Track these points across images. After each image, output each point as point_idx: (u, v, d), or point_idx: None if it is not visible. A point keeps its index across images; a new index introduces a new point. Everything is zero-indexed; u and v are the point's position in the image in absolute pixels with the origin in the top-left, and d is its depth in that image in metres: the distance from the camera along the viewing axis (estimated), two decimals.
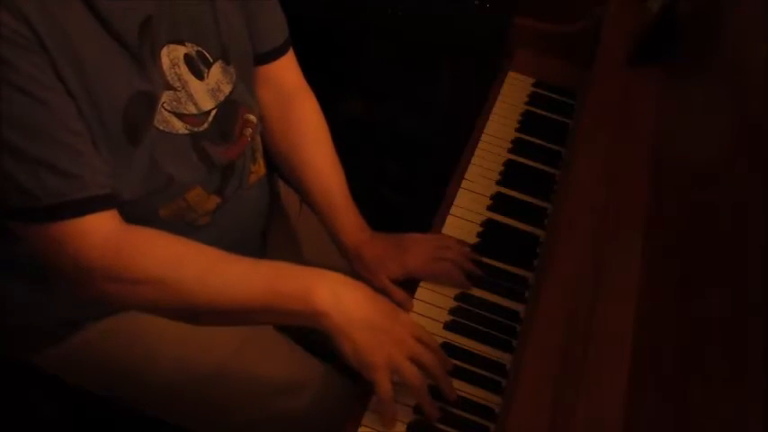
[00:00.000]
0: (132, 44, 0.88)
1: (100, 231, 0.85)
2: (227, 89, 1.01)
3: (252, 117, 1.07)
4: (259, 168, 1.12)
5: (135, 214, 0.95)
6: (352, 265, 1.10)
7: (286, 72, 1.16)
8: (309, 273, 0.89)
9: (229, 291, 0.87)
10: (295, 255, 1.27)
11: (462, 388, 0.94)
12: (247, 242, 1.16)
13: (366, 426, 0.90)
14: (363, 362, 0.87)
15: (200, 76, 0.98)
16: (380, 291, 1.03)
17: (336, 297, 0.87)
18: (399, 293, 1.05)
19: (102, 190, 0.86)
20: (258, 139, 1.13)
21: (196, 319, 0.92)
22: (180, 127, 0.96)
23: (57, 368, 1.09)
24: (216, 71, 1.00)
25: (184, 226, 1.02)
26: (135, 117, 0.90)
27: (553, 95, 1.39)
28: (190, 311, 0.89)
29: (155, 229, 0.90)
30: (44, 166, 0.81)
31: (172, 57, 0.94)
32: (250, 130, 1.07)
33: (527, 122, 1.33)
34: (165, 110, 0.94)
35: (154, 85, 0.91)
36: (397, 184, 2.03)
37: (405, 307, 1.03)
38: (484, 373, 0.96)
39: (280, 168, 1.18)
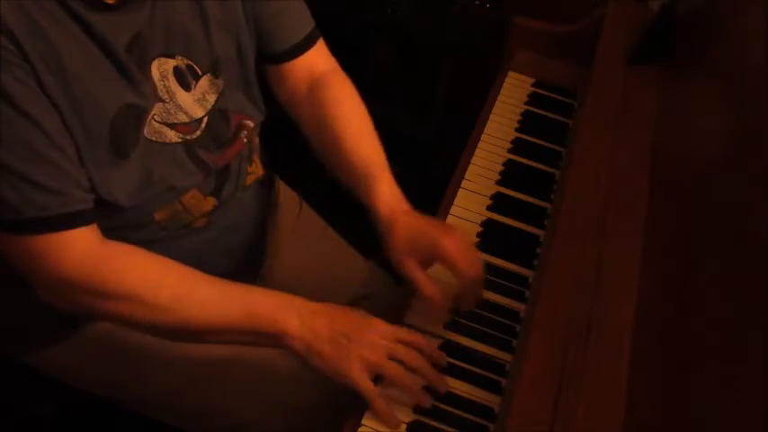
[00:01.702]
0: (121, 59, 0.88)
1: (79, 246, 0.87)
2: (212, 99, 1.01)
3: (248, 122, 1.07)
4: (256, 169, 1.12)
5: (129, 219, 0.96)
6: (383, 245, 1.02)
7: (315, 62, 1.13)
8: (278, 297, 0.93)
9: (204, 313, 0.90)
10: (294, 255, 1.26)
11: (462, 388, 0.94)
12: (244, 245, 1.16)
13: (366, 426, 0.90)
14: (334, 371, 0.90)
15: (187, 87, 0.97)
16: (407, 277, 0.98)
17: (301, 319, 0.90)
18: (428, 287, 0.96)
19: (82, 205, 0.87)
20: (256, 140, 1.12)
21: (168, 337, 0.96)
22: (172, 136, 0.96)
23: (57, 368, 1.09)
24: (203, 83, 0.99)
25: (180, 228, 1.02)
26: (122, 130, 0.90)
27: (553, 95, 1.39)
28: (162, 329, 0.93)
29: (131, 245, 0.92)
30: (25, 180, 0.82)
31: (161, 70, 0.94)
32: (245, 132, 1.06)
33: (527, 122, 1.33)
34: (156, 121, 0.94)
35: (144, 98, 0.92)
36: (397, 183, 2.02)
37: (432, 301, 0.95)
38: (484, 373, 0.96)
39: (315, 150, 1.13)
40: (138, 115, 0.92)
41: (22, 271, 0.89)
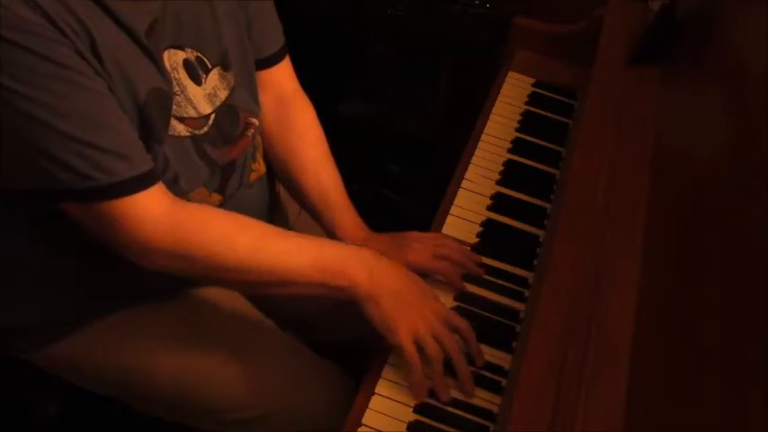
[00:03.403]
0: (144, 42, 0.89)
1: (154, 208, 0.89)
2: (223, 95, 1.02)
3: (254, 120, 1.07)
4: (259, 167, 1.12)
5: None
6: None
7: (283, 78, 1.17)
8: (348, 249, 0.99)
9: (278, 266, 0.93)
10: None
11: None
12: None
13: (366, 425, 0.90)
14: (385, 324, 0.93)
15: (197, 81, 0.98)
16: None
17: (370, 271, 0.94)
18: None
19: (148, 165, 0.89)
20: (259, 138, 1.13)
21: (246, 290, 1.05)
22: (181, 130, 0.97)
23: (57, 368, 1.09)
24: (213, 77, 1.00)
25: None
26: (152, 114, 0.91)
27: (553, 95, 1.39)
28: (241, 284, 0.99)
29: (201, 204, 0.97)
30: (94, 148, 0.84)
31: (171, 61, 0.95)
32: (252, 130, 1.07)
33: (527, 122, 1.33)
34: None
35: (168, 84, 0.93)
36: (397, 184, 2.03)
37: None
38: (484, 373, 0.96)
39: (278, 173, 1.18)
40: (165, 99, 0.93)
41: (105, 240, 0.90)
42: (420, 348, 0.93)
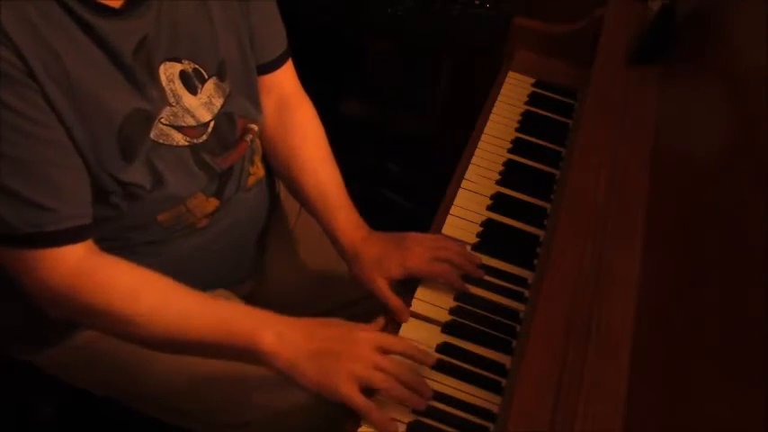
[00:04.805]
0: (127, 63, 0.88)
1: (69, 261, 0.88)
2: (218, 103, 1.02)
3: (253, 125, 1.07)
4: (258, 170, 1.12)
5: (133, 220, 0.96)
6: (350, 268, 1.08)
7: (285, 80, 1.17)
8: (256, 315, 0.93)
9: (181, 325, 0.90)
10: (292, 258, 1.27)
11: (462, 388, 0.94)
12: (245, 244, 1.17)
13: (366, 426, 0.90)
14: (323, 389, 0.89)
15: (193, 91, 0.98)
16: (377, 296, 1.03)
17: (280, 337, 0.90)
18: (396, 301, 1.02)
19: (78, 221, 0.88)
20: (257, 142, 1.13)
21: (149, 348, 0.95)
22: (180, 139, 0.97)
23: (57, 368, 1.09)
24: (209, 87, 1.00)
25: (183, 228, 1.03)
26: (130, 135, 0.90)
27: (553, 95, 1.39)
28: (144, 341, 0.93)
29: (118, 257, 0.92)
30: (21, 198, 0.83)
31: (168, 73, 0.95)
32: (250, 135, 1.07)
33: (527, 122, 1.33)
34: (163, 124, 0.95)
35: (151, 102, 0.92)
36: (397, 184, 2.03)
37: (400, 317, 1.01)
38: (484, 373, 0.96)
39: (279, 173, 1.18)
40: (146, 119, 0.92)
41: (15, 280, 0.90)
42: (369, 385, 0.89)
